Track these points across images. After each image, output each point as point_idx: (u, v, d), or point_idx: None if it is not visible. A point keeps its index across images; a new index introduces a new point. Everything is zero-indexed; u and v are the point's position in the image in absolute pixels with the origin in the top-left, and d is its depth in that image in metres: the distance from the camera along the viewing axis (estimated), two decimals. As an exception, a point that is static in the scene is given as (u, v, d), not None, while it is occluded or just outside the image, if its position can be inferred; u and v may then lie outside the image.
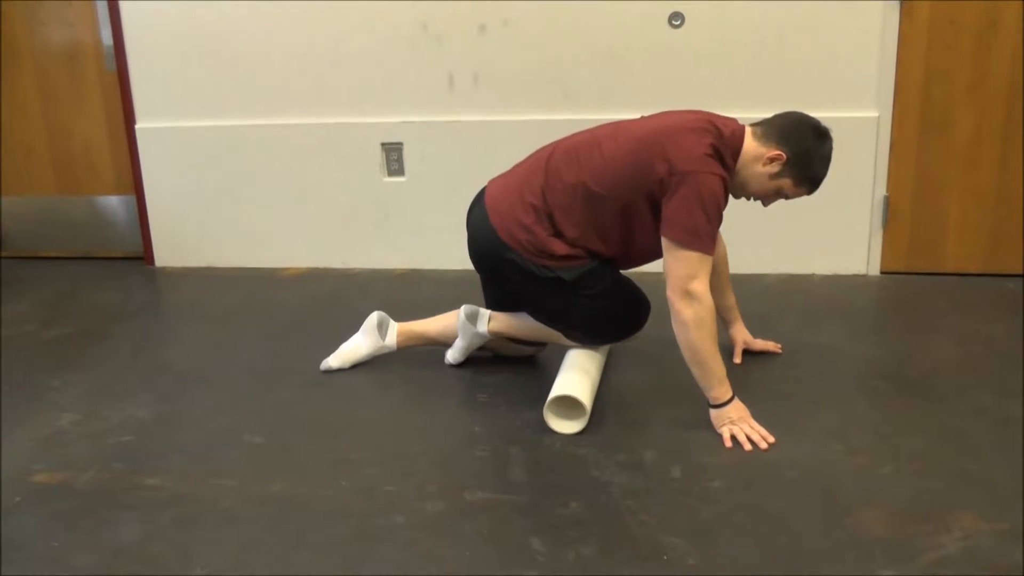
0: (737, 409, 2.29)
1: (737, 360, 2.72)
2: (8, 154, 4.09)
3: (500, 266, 2.47)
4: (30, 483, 2.16)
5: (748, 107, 3.44)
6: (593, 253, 2.40)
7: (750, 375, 2.62)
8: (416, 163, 3.73)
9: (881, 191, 3.48)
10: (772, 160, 2.29)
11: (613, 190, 2.30)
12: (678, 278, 2.21)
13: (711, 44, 3.43)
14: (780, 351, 2.79)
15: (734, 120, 2.35)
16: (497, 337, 2.67)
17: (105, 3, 3.76)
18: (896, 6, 3.29)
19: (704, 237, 2.20)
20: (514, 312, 2.62)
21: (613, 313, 2.50)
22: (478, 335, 2.65)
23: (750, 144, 2.31)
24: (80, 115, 4.00)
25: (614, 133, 2.38)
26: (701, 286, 2.20)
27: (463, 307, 2.65)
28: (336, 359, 2.76)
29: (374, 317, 2.77)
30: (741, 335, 2.77)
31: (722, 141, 2.26)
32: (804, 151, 2.30)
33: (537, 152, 2.52)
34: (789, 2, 3.35)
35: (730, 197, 2.33)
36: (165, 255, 4.01)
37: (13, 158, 4.10)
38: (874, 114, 3.41)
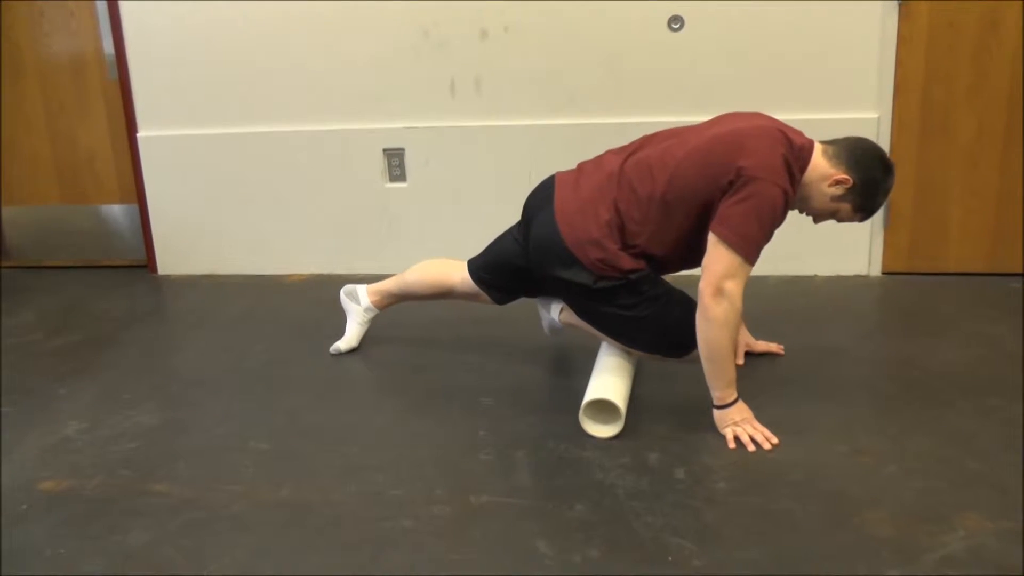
0: (740, 411, 2.29)
1: (740, 362, 2.73)
2: (12, 164, 4.11)
3: (560, 276, 2.42)
4: (37, 490, 2.17)
5: (749, 109, 3.46)
6: (653, 260, 2.38)
7: (753, 377, 2.63)
8: (418, 169, 3.75)
9: (882, 192, 3.49)
10: (838, 183, 2.28)
11: (688, 195, 2.27)
12: (715, 274, 2.20)
13: (711, 47, 3.45)
14: (782, 353, 2.80)
15: (801, 132, 2.34)
16: (566, 326, 2.71)
17: (106, 12, 3.78)
18: (895, 8, 3.31)
19: (752, 245, 2.19)
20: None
21: (669, 317, 2.41)
22: (554, 321, 2.75)
23: (819, 161, 2.30)
24: (83, 124, 4.01)
25: (686, 139, 2.35)
26: (736, 287, 2.20)
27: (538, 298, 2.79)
28: (343, 342, 2.96)
29: (343, 294, 3.01)
30: (743, 337, 2.79)
31: (792, 153, 2.25)
32: (871, 181, 2.30)
33: (608, 160, 2.46)
34: (789, 5, 3.36)
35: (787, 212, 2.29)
36: (169, 263, 4.02)
37: (17, 168, 4.12)
38: (874, 115, 3.42)
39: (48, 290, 3.85)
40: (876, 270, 3.58)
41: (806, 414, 2.40)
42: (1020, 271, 3.48)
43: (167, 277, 4.00)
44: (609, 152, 2.50)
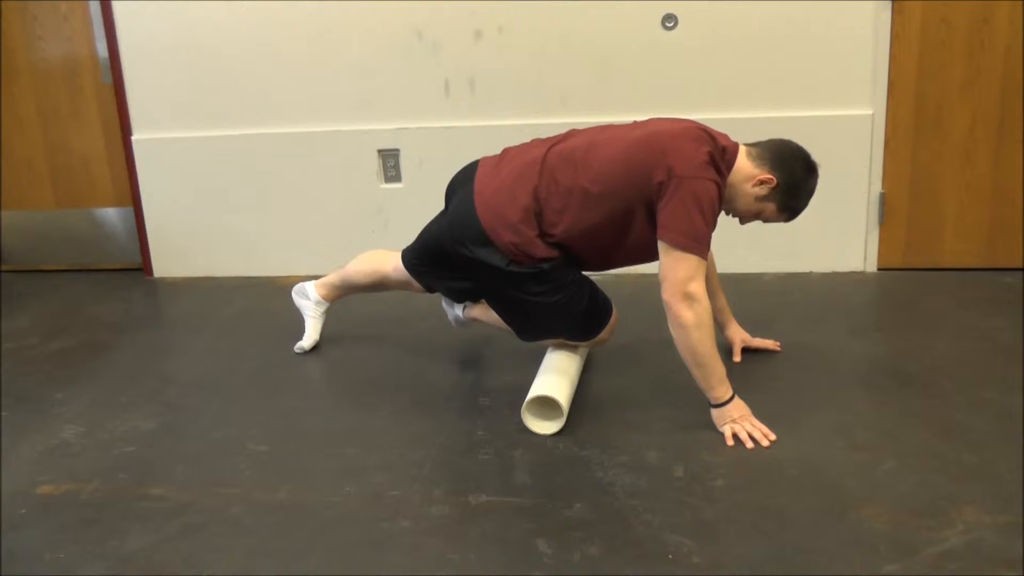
0: (738, 408, 2.30)
1: (737, 359, 2.73)
2: (7, 169, 4.10)
3: (472, 255, 2.42)
4: (35, 495, 2.16)
5: (743, 108, 3.47)
6: (568, 252, 2.40)
7: (750, 373, 2.63)
8: (413, 169, 3.75)
9: (877, 188, 3.50)
10: (762, 183, 2.32)
11: (612, 192, 2.30)
12: (677, 281, 2.22)
13: (705, 45, 3.45)
14: (779, 349, 2.80)
15: (727, 135, 2.38)
16: (474, 321, 2.84)
17: (100, 16, 3.78)
18: (888, 5, 3.32)
19: (703, 243, 2.22)
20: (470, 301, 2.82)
21: (577, 306, 2.46)
22: (458, 316, 2.85)
23: (743, 162, 2.34)
24: (78, 128, 4.01)
25: (612, 137, 2.38)
26: (699, 287, 2.22)
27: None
28: (305, 340, 3.00)
29: (293, 293, 3.05)
30: (739, 334, 2.79)
31: (717, 151, 2.28)
32: (794, 181, 2.34)
33: (532, 147, 2.48)
34: (782, 3, 3.37)
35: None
36: (164, 266, 4.02)
37: (12, 173, 4.11)
38: (868, 112, 3.43)
39: (44, 294, 3.84)
40: (872, 266, 3.59)
41: (803, 410, 2.41)
42: (1016, 265, 3.49)
43: (163, 280, 4.00)
44: (535, 140, 2.53)
